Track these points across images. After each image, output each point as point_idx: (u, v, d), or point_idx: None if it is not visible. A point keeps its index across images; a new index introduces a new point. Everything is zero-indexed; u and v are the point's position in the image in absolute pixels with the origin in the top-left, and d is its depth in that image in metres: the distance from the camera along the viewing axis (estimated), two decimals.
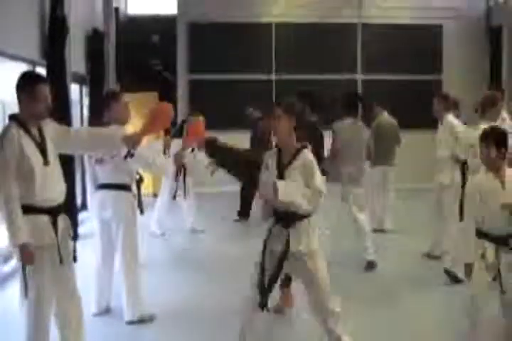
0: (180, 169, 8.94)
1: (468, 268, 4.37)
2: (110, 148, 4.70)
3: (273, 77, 13.77)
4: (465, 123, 7.43)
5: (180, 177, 8.93)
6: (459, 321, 4.62)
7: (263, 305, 4.21)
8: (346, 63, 13.92)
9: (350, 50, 13.93)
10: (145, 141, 4.82)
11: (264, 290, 4.22)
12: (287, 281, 5.73)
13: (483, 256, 4.32)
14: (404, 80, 13.64)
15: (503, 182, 4.35)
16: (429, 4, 13.75)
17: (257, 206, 4.35)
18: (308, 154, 4.26)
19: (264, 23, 13.88)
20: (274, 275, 4.23)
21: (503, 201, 4.29)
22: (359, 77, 14.03)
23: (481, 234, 4.36)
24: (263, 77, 13.65)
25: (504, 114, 7.25)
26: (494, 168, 4.38)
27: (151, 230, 9.02)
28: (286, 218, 4.23)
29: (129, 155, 5.20)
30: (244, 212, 10.17)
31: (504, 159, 4.39)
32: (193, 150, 8.95)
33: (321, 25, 13.73)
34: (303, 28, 13.78)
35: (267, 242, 4.31)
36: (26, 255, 3.89)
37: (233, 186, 10.68)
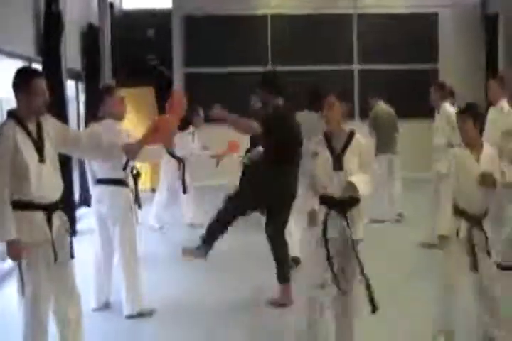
0: (180, 163, 8.95)
1: (443, 239, 4.41)
2: (109, 156, 4.69)
3: (269, 68, 13.74)
4: None
5: (180, 172, 8.94)
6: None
7: (340, 288, 4.26)
8: (342, 54, 13.88)
9: (346, 40, 13.90)
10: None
11: (335, 276, 4.24)
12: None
13: (457, 233, 4.38)
14: (401, 70, 13.60)
15: (478, 159, 4.41)
16: None
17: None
18: (361, 138, 4.39)
19: (260, 15, 13.86)
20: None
21: (475, 175, 4.35)
22: (355, 67, 14.01)
23: (457, 211, 4.42)
24: (259, 69, 13.61)
25: (504, 103, 7.24)
26: (471, 144, 4.43)
27: (150, 224, 9.03)
28: (342, 204, 4.27)
29: (127, 165, 5.22)
30: None
31: (481, 135, 4.50)
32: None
33: (317, 16, 13.70)
34: (298, 19, 13.77)
35: (327, 231, 4.27)
36: (14, 251, 3.88)
37: (231, 179, 10.73)
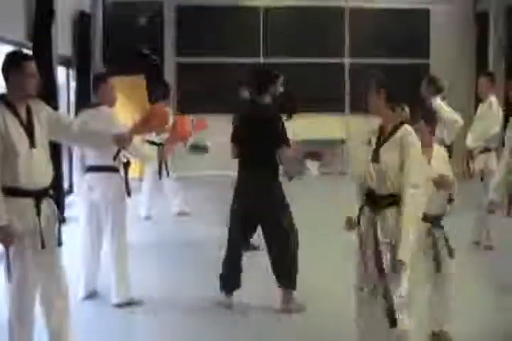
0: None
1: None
2: (100, 145, 4.69)
3: (261, 60, 13.75)
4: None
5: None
6: None
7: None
8: (334, 47, 13.89)
9: (337, 33, 13.90)
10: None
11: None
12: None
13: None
14: (392, 64, 13.61)
15: (429, 159, 4.35)
16: None
17: None
18: (409, 132, 3.95)
19: (252, 7, 13.82)
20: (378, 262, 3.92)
21: (428, 176, 4.19)
22: (347, 60, 14.02)
23: None
24: (251, 60, 13.61)
25: (493, 99, 7.27)
26: (424, 146, 4.24)
27: (138, 213, 9.02)
28: (377, 202, 3.96)
29: (118, 154, 5.19)
30: None
31: (433, 135, 4.45)
32: None
33: (309, 8, 13.68)
34: (291, 11, 13.76)
35: (361, 225, 4.04)
36: (5, 237, 3.86)
37: (221, 170, 10.74)
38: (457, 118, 7.22)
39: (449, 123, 7.10)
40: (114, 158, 5.26)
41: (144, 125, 4.75)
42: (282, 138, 5.42)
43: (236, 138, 5.61)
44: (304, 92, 12.80)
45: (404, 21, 13.75)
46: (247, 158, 5.48)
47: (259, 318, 5.32)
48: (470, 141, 7.29)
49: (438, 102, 7.37)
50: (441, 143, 7.19)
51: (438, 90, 7.49)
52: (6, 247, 3.91)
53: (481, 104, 7.47)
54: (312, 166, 12.63)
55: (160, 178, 8.95)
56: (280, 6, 13.82)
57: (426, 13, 14.02)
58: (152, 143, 8.72)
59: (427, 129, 4.38)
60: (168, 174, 8.97)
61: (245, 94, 10.27)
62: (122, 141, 4.54)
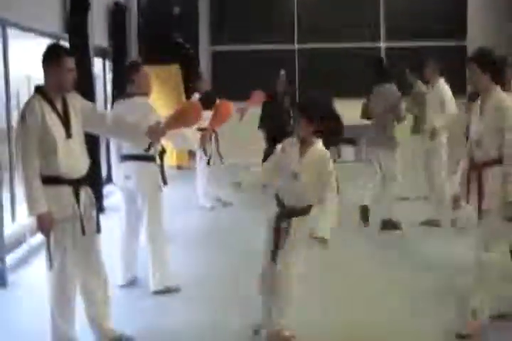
0: (211, 136, 8.84)
1: None
2: (132, 138, 4.72)
3: (295, 46, 13.69)
4: None
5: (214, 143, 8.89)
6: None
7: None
8: (369, 30, 13.75)
9: (372, 17, 13.75)
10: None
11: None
12: None
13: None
14: (428, 46, 13.40)
15: (302, 155, 4.28)
16: None
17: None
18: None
19: None
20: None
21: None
22: (382, 44, 13.87)
23: (278, 202, 4.37)
24: (286, 46, 13.57)
25: None
26: (302, 140, 4.29)
27: (200, 204, 8.99)
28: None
29: (150, 147, 5.19)
30: None
31: (316, 133, 4.28)
32: None
33: None
34: None
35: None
36: (44, 225, 3.95)
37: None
38: (451, 105, 7.20)
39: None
40: (147, 150, 5.26)
41: (177, 121, 4.76)
42: None
43: None
44: (340, 77, 12.74)
45: (441, 1, 13.52)
46: None
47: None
48: None
49: (441, 82, 7.50)
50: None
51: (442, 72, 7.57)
52: (46, 234, 4.00)
53: None
54: (347, 152, 12.58)
55: (208, 164, 8.86)
56: None
57: None
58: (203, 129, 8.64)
59: (309, 127, 4.26)
60: (221, 161, 8.92)
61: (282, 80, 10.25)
62: (155, 135, 4.57)
